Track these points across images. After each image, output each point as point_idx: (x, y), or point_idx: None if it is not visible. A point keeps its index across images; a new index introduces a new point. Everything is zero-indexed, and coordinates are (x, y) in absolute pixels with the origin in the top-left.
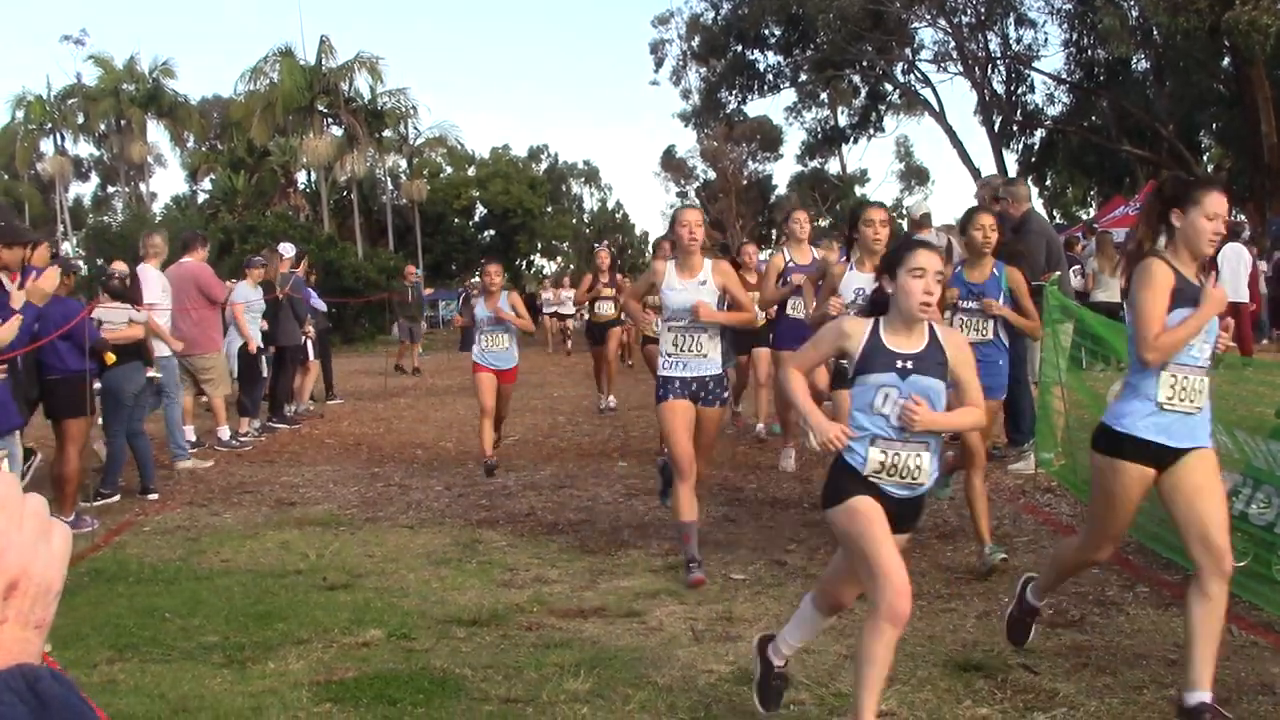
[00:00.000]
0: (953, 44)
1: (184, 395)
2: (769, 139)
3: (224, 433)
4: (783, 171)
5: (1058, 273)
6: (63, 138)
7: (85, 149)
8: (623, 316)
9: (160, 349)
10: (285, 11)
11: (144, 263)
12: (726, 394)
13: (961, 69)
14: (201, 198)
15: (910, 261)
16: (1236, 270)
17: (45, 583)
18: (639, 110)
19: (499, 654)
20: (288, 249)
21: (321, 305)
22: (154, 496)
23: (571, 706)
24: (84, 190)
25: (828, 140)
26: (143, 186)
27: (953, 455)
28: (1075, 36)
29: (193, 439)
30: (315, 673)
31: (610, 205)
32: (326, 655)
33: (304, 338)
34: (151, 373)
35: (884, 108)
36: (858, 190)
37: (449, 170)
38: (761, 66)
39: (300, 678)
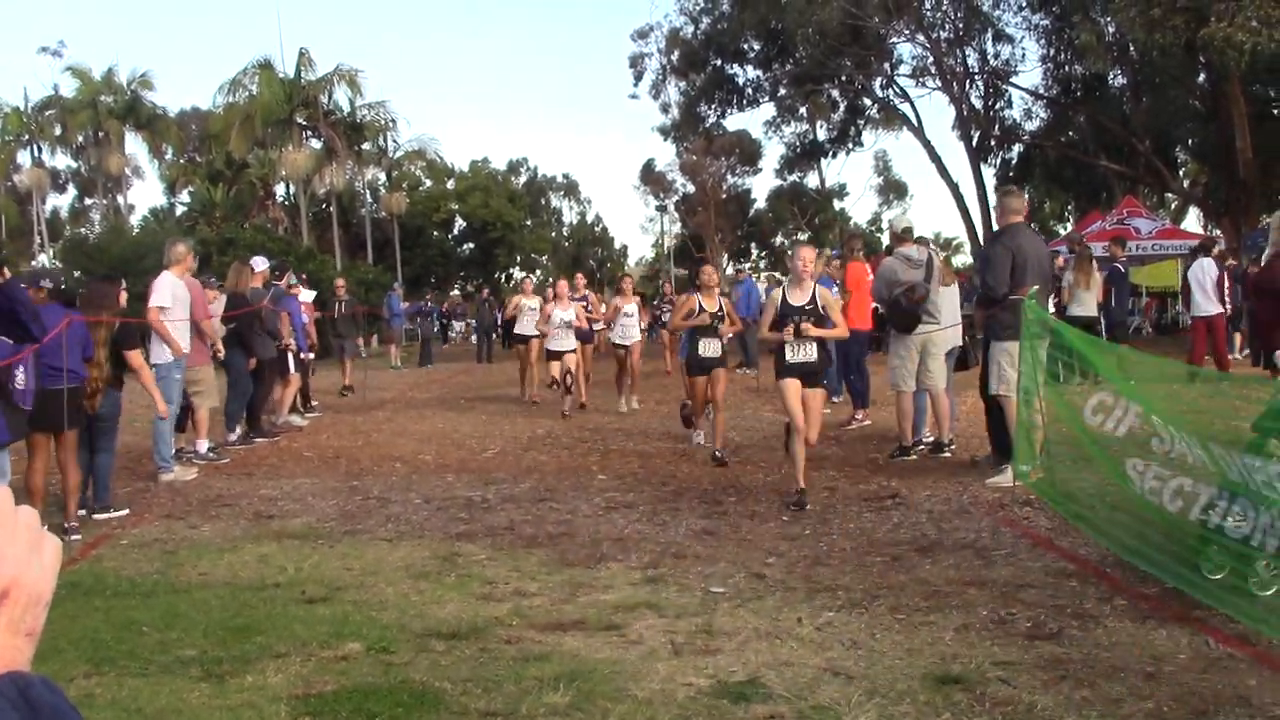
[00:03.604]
0: (931, 59)
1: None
2: (748, 153)
3: (202, 446)
4: (762, 185)
5: (1035, 287)
6: (40, 149)
7: (63, 161)
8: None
9: (157, 357)
10: (264, 24)
11: (166, 270)
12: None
13: (940, 84)
14: (180, 210)
15: None
16: (1204, 284)
17: (36, 592)
18: (618, 124)
19: (478, 667)
20: (260, 263)
21: (305, 317)
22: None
23: None
24: (61, 202)
25: (807, 154)
26: (120, 198)
27: None
28: (1053, 52)
29: (204, 448)
30: (294, 686)
31: (590, 218)
32: (305, 669)
33: (286, 350)
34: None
35: (863, 122)
36: (836, 204)
37: (428, 183)
38: (740, 81)
39: (279, 691)
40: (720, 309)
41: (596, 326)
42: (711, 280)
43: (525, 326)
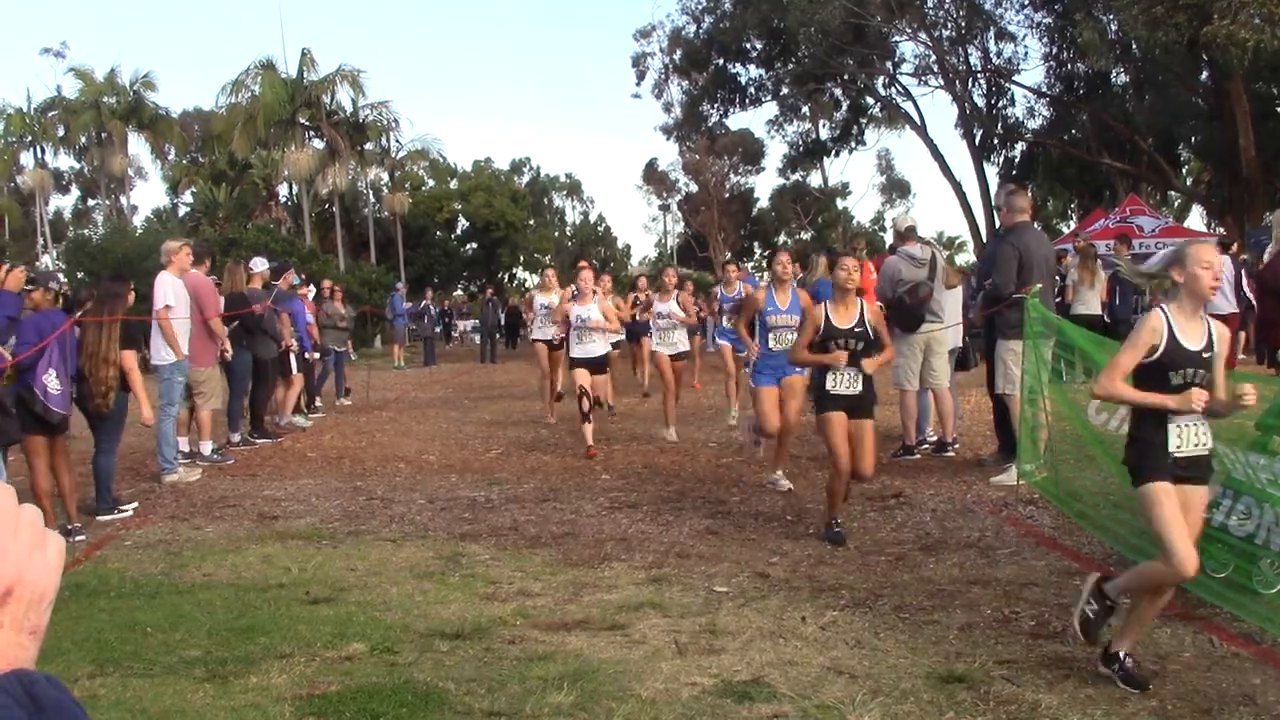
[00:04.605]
0: (933, 57)
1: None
2: (751, 152)
3: (206, 447)
4: (765, 184)
5: (1038, 285)
6: (43, 150)
7: (65, 162)
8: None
9: (160, 358)
10: (267, 25)
11: (163, 270)
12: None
13: (942, 82)
14: (182, 210)
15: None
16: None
17: (39, 589)
18: (621, 123)
19: (482, 667)
20: (259, 264)
21: (309, 318)
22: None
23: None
24: (64, 203)
25: (809, 153)
26: (123, 199)
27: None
28: (1055, 50)
29: (186, 449)
30: (298, 687)
31: (592, 218)
32: (309, 669)
33: (288, 351)
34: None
35: (865, 121)
36: (839, 203)
37: (431, 183)
38: (743, 80)
39: (283, 692)
40: (863, 322)
41: (618, 337)
42: (850, 279)
43: (543, 330)
